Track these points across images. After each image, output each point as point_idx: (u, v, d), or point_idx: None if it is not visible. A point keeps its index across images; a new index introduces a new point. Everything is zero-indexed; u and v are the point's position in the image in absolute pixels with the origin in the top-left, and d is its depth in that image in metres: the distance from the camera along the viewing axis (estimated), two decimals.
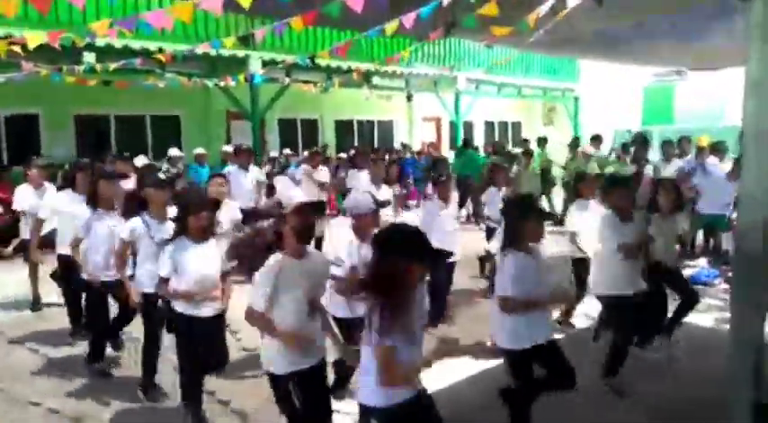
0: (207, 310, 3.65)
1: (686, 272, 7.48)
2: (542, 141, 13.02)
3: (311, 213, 3.02)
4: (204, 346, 3.71)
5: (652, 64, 8.86)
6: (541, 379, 3.37)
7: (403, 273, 2.33)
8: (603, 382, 4.20)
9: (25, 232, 6.42)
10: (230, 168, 8.34)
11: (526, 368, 3.34)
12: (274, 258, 2.95)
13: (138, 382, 4.27)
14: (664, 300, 4.91)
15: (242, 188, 7.84)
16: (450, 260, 5.19)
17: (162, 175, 6.22)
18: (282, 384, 3.16)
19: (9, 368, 4.87)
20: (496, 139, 20.01)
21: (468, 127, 18.75)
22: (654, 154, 9.99)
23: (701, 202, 7.94)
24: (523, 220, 3.26)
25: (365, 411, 2.57)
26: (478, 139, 20.01)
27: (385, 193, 6.45)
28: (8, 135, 11.50)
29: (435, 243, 2.54)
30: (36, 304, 6.39)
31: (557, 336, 5.28)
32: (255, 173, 8.32)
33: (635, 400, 4.12)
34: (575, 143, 12.04)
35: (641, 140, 9.81)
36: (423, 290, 2.58)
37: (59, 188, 6.14)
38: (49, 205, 5.47)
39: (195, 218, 3.58)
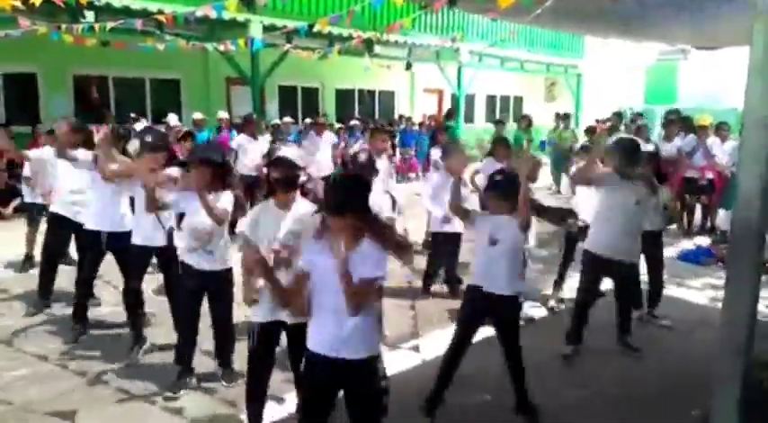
0: (208, 264, 3.70)
1: (681, 249, 7.61)
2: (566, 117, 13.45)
3: (291, 166, 3.09)
4: (208, 300, 3.83)
5: (655, 40, 8.77)
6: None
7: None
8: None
9: (27, 195, 6.46)
10: (238, 138, 8.43)
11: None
12: (264, 203, 3.21)
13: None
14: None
15: (249, 158, 8.00)
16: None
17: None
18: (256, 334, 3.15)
19: (12, 326, 4.94)
20: (497, 113, 19.90)
21: (470, 100, 18.62)
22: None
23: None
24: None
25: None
26: (479, 113, 19.91)
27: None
28: (6, 93, 11.41)
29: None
30: (27, 263, 6.38)
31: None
32: (262, 143, 8.39)
33: (622, 374, 4.23)
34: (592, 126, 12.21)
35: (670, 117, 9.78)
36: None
37: None
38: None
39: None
